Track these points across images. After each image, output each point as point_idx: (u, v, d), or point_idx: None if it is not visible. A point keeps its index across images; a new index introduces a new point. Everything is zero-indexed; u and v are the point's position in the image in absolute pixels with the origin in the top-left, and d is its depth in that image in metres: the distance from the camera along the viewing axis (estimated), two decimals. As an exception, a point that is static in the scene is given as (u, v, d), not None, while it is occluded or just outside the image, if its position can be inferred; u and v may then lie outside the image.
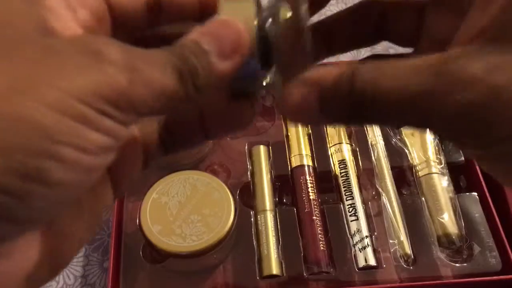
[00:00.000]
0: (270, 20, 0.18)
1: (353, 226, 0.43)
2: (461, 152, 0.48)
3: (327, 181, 0.47)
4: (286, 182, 0.47)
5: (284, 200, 0.47)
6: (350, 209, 0.44)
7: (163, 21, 0.19)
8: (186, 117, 0.20)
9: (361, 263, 0.42)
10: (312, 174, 0.46)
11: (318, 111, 0.17)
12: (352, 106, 0.17)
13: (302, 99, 0.17)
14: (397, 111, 0.16)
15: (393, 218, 0.44)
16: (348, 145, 0.48)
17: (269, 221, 0.44)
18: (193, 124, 0.20)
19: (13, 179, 0.13)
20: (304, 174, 0.46)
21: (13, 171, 0.13)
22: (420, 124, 0.17)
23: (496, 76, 0.15)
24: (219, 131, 0.21)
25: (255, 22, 0.18)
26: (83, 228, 0.17)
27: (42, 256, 0.16)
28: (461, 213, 0.44)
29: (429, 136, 0.47)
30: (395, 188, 0.46)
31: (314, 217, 0.44)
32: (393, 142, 0.49)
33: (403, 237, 0.43)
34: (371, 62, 0.17)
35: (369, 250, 0.42)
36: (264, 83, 0.19)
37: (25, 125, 0.13)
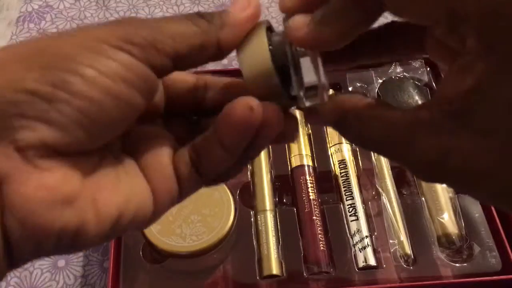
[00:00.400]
0: (281, 39, 0.21)
1: (353, 226, 0.43)
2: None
3: (327, 181, 0.47)
4: (286, 182, 0.47)
5: (284, 200, 0.47)
6: (350, 209, 0.44)
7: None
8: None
9: (361, 263, 0.42)
10: (312, 174, 0.46)
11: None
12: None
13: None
14: (377, 149, 0.20)
15: (393, 218, 0.44)
16: (348, 145, 0.48)
17: (269, 221, 0.44)
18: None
19: (45, 86, 0.17)
20: (304, 174, 0.46)
21: (45, 80, 0.17)
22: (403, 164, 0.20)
23: (448, 159, 0.17)
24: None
25: (268, 42, 0.20)
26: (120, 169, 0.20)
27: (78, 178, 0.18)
28: (461, 213, 0.44)
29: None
30: (395, 188, 0.46)
31: (314, 217, 0.44)
32: (393, 142, 0.49)
33: (403, 237, 0.43)
34: (370, 109, 0.20)
35: (369, 250, 0.42)
36: (290, 96, 0.21)
37: (63, 55, 0.17)
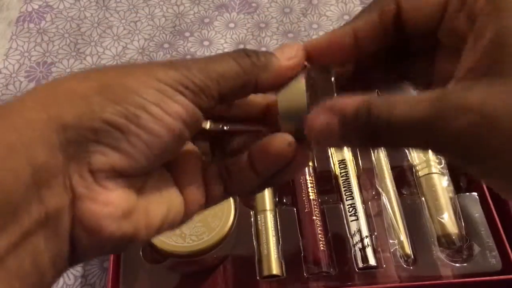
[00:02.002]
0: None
1: (353, 226, 0.43)
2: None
3: (327, 181, 0.47)
4: (286, 182, 0.47)
5: (284, 200, 0.47)
6: (350, 209, 0.44)
7: (233, 118, 0.25)
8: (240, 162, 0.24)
9: (361, 263, 0.42)
10: (312, 174, 0.46)
11: (339, 136, 0.21)
12: (369, 132, 0.20)
13: (326, 125, 0.21)
14: (406, 135, 0.20)
15: (393, 218, 0.44)
16: (348, 145, 0.48)
17: (269, 221, 0.44)
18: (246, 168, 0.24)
19: (120, 118, 0.19)
20: (304, 174, 0.46)
21: (120, 113, 0.19)
22: (425, 146, 0.20)
23: (485, 107, 0.17)
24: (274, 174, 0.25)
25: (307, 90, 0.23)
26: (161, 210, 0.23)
27: (134, 197, 0.21)
28: (461, 213, 0.44)
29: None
30: (395, 188, 0.46)
31: (314, 217, 0.44)
32: (393, 142, 0.49)
33: (403, 237, 0.43)
34: (384, 95, 0.21)
35: (369, 250, 0.42)
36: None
37: (131, 91, 0.20)
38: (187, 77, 0.21)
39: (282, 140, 0.23)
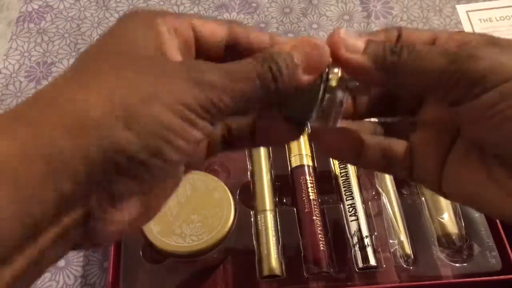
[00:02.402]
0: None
1: (353, 226, 0.43)
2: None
3: (327, 181, 0.47)
4: (286, 182, 0.47)
5: (284, 200, 0.47)
6: (350, 209, 0.44)
7: (237, 55, 0.24)
8: (243, 128, 0.26)
9: (361, 263, 0.42)
10: (312, 174, 0.46)
11: (354, 156, 0.26)
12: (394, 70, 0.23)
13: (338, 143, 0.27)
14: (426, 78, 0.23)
15: (393, 218, 0.44)
16: (348, 145, 0.48)
17: (269, 221, 0.44)
18: (246, 133, 0.26)
19: (145, 154, 0.20)
20: (304, 174, 0.46)
21: (145, 148, 0.20)
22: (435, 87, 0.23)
23: (498, 58, 0.21)
24: (265, 142, 0.28)
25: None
26: (166, 191, 0.24)
27: (142, 209, 0.22)
28: (461, 213, 0.44)
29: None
30: (395, 188, 0.46)
31: (314, 217, 0.44)
32: (393, 142, 0.49)
33: (403, 237, 0.43)
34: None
35: (369, 250, 0.42)
36: (314, 116, 0.24)
37: (155, 122, 0.20)
38: (212, 101, 0.21)
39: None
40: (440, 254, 0.42)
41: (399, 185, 0.46)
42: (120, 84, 0.20)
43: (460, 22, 0.53)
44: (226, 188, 0.42)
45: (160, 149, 0.20)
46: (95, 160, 0.19)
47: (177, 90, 0.20)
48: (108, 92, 0.20)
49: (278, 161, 0.48)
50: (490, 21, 0.49)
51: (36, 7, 0.65)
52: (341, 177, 0.46)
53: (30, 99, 0.20)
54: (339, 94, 0.24)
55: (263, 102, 0.23)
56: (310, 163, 0.47)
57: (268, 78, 0.22)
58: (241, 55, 0.24)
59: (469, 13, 0.51)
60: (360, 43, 0.23)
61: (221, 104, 0.21)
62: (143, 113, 0.20)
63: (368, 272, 0.42)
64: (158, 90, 0.20)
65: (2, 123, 0.19)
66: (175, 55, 0.23)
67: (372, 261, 0.42)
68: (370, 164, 0.27)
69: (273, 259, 0.42)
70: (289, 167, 0.47)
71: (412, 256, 0.42)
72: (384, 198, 0.45)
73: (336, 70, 0.24)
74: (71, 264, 0.46)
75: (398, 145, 0.27)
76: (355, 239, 0.43)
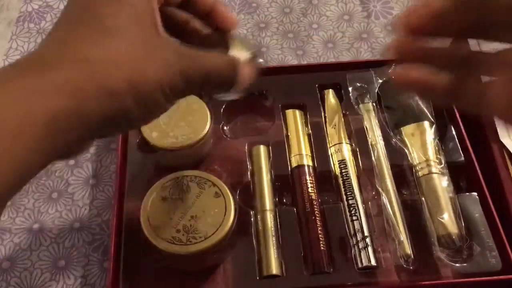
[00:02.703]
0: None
1: (353, 226, 0.43)
2: (461, 152, 0.48)
3: (327, 181, 0.47)
4: (286, 182, 0.47)
5: (284, 200, 0.47)
6: (350, 209, 0.44)
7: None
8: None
9: (361, 263, 0.42)
10: (312, 174, 0.46)
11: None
12: None
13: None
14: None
15: (393, 218, 0.44)
16: (348, 145, 0.48)
17: (269, 221, 0.44)
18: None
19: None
20: (304, 174, 0.46)
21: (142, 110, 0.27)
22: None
23: None
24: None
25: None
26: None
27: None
28: (461, 213, 0.44)
29: (429, 136, 0.47)
30: (395, 188, 0.46)
31: (314, 217, 0.44)
32: (393, 142, 0.49)
33: (403, 237, 0.43)
34: None
35: (369, 250, 0.42)
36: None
37: (151, 92, 0.26)
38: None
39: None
40: (440, 254, 0.42)
41: (399, 185, 0.46)
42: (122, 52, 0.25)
43: (460, 22, 0.53)
44: (226, 188, 0.42)
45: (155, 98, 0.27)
46: (100, 113, 0.24)
47: (162, 72, 0.26)
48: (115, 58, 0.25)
49: (278, 161, 0.48)
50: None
51: (36, 7, 0.65)
52: (341, 177, 0.46)
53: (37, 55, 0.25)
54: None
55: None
56: (310, 163, 0.47)
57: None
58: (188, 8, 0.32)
59: (469, 13, 0.51)
60: None
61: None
62: (143, 89, 0.25)
63: (368, 272, 0.42)
64: (148, 70, 0.26)
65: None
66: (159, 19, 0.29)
67: (372, 261, 0.42)
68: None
69: (273, 259, 0.42)
70: (289, 167, 0.47)
71: (412, 256, 0.42)
72: (384, 198, 0.45)
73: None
74: (71, 264, 0.46)
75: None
76: (355, 239, 0.43)
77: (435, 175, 0.45)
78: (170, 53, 0.27)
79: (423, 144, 0.47)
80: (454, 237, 0.43)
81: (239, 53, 0.33)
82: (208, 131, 0.46)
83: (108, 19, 0.26)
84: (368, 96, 0.51)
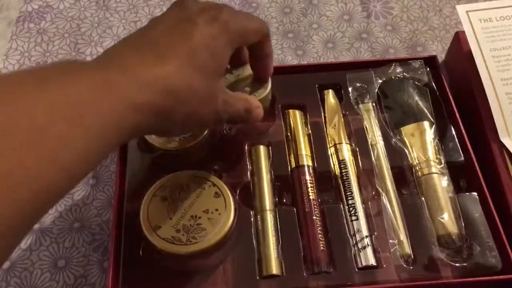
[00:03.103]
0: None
1: (353, 226, 0.43)
2: (460, 152, 0.48)
3: (327, 181, 0.47)
4: (286, 182, 0.47)
5: (284, 200, 0.47)
6: (350, 209, 0.44)
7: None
8: None
9: (361, 263, 0.42)
10: (312, 174, 0.46)
11: None
12: None
13: None
14: None
15: (393, 218, 0.44)
16: (348, 145, 0.48)
17: (269, 221, 0.44)
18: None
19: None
20: (304, 174, 0.46)
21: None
22: None
23: None
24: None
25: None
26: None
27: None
28: (461, 213, 0.44)
29: (429, 136, 0.47)
30: (395, 188, 0.46)
31: (314, 217, 0.44)
32: (393, 142, 0.49)
33: (403, 237, 0.43)
34: None
35: (369, 250, 0.42)
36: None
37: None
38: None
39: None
40: (440, 254, 0.42)
41: (399, 185, 0.46)
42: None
43: (460, 22, 0.53)
44: (226, 188, 0.42)
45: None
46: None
47: (209, 114, 0.35)
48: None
49: (278, 161, 0.48)
50: (490, 21, 0.49)
51: (36, 7, 0.65)
52: (341, 177, 0.46)
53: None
54: None
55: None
56: (310, 163, 0.47)
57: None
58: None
59: (469, 13, 0.51)
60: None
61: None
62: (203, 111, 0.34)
63: (368, 272, 0.42)
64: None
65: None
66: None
67: (372, 261, 0.42)
68: None
69: (273, 259, 0.42)
70: (289, 167, 0.47)
71: (412, 256, 0.42)
72: (384, 198, 0.45)
73: None
74: (71, 264, 0.46)
75: None
76: (355, 239, 0.43)
77: (435, 175, 0.45)
78: (220, 102, 0.35)
79: (423, 144, 0.47)
80: (454, 237, 0.43)
81: (258, 92, 0.43)
82: (208, 131, 0.46)
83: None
84: (368, 96, 0.51)
